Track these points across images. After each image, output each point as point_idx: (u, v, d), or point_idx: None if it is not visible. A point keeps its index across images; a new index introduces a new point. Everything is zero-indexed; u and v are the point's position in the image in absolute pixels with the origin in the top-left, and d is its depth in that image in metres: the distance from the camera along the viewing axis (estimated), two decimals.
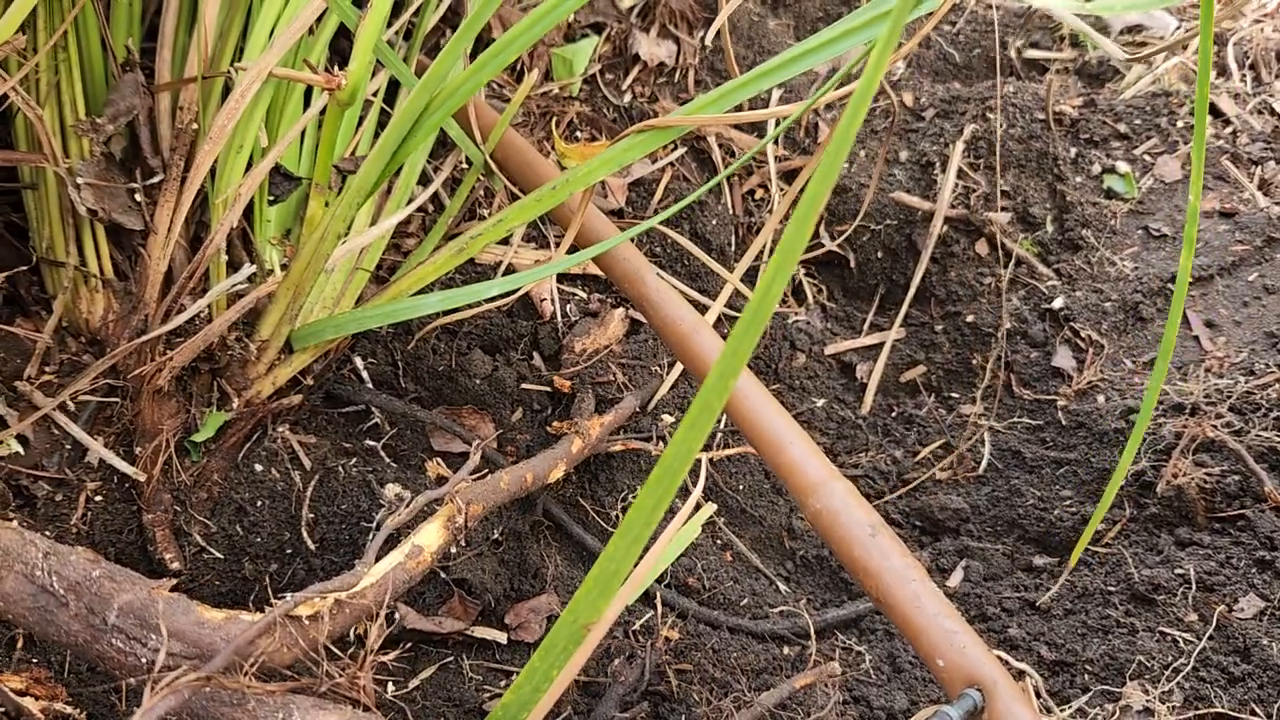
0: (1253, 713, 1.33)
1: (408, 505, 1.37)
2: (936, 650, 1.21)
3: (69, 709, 1.40)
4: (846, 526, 1.32)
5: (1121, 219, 2.09)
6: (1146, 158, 2.15)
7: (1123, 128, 2.18)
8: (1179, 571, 1.57)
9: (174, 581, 1.11)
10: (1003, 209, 2.14)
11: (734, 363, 0.89)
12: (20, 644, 1.44)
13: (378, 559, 1.31)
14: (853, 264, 2.22)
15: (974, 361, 2.07)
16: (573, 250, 1.74)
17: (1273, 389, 1.68)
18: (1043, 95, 2.19)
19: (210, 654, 1.07)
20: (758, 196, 2.24)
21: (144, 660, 1.07)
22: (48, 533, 1.60)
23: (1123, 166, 2.13)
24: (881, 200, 2.18)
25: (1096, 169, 2.15)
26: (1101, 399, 1.87)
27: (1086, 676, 1.49)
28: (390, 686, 1.66)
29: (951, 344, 2.10)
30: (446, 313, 1.84)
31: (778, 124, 2.12)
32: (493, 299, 1.86)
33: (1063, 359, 1.96)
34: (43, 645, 1.52)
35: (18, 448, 1.62)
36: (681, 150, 2.20)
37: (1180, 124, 2.19)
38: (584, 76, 2.29)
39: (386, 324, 1.71)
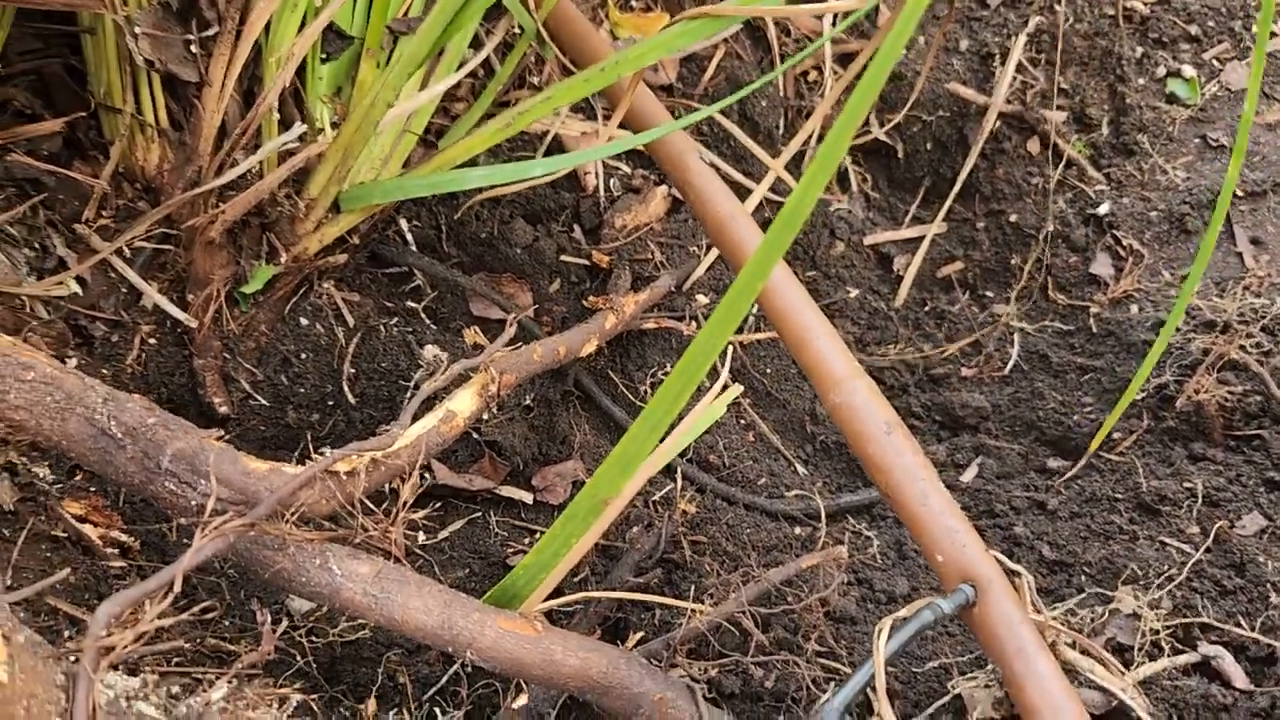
0: (1237, 624, 1.39)
1: (444, 370, 1.43)
2: (937, 545, 1.26)
3: (124, 537, 1.51)
4: (864, 422, 1.37)
5: (1180, 126, 2.04)
6: (1215, 62, 2.08)
7: (1194, 29, 2.11)
8: (1187, 485, 1.61)
9: (222, 432, 1.18)
10: (1059, 107, 2.10)
11: (767, 261, 0.93)
12: (80, 474, 1.54)
13: (413, 421, 1.38)
14: (900, 154, 2.20)
15: (1012, 262, 2.07)
16: (622, 126, 1.74)
17: None
18: None
19: (255, 502, 1.15)
20: (810, 79, 2.21)
21: (194, 503, 1.15)
22: (105, 371, 1.68)
23: (1188, 70, 2.07)
24: (935, 90, 2.15)
25: (1161, 71, 2.10)
26: (1135, 309, 1.87)
27: (1083, 578, 1.55)
28: (421, 536, 1.77)
29: (992, 242, 2.10)
30: (490, 186, 1.86)
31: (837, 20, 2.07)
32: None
33: (1101, 266, 1.95)
34: (60, 455, 1.62)
35: (76, 288, 1.69)
36: (737, 26, 2.16)
37: (1255, 29, 2.11)
38: None
39: (432, 194, 1.74)
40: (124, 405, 1.17)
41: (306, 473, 1.19)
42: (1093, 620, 1.39)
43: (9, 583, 1.18)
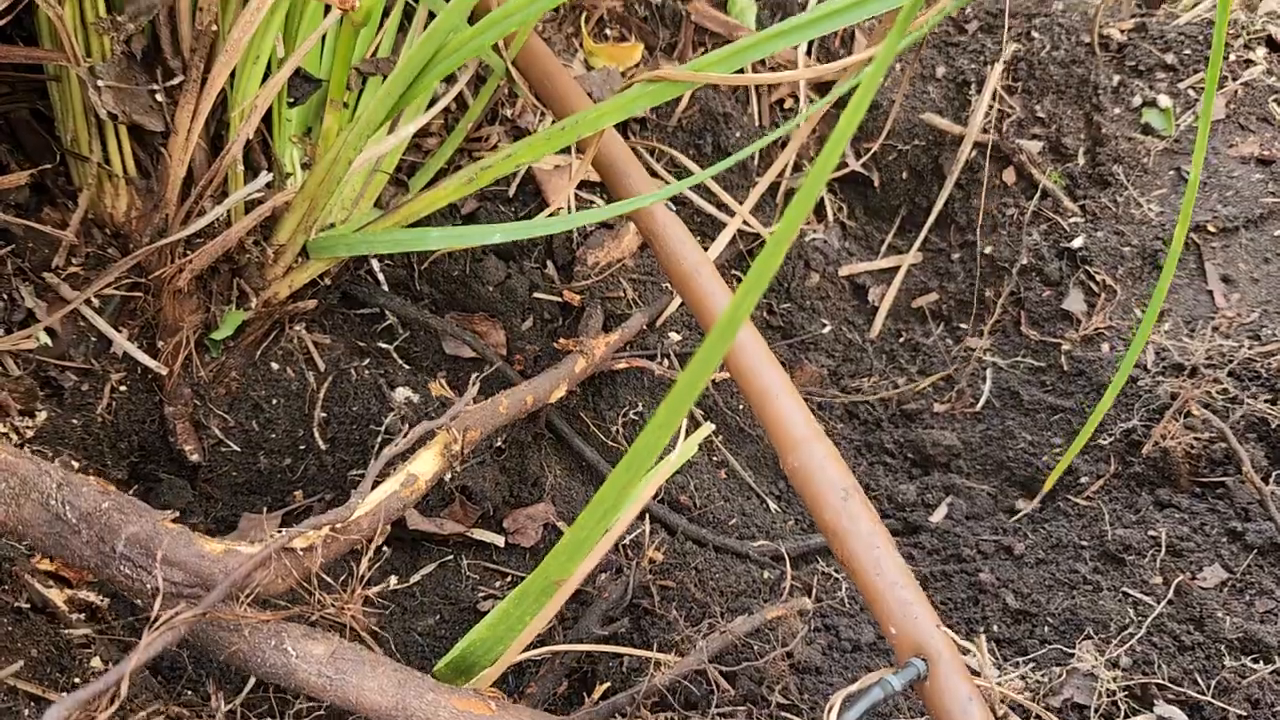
0: (1194, 683, 1.40)
1: (405, 435, 1.43)
2: (891, 618, 1.27)
3: (93, 596, 1.52)
4: (820, 486, 1.37)
5: (1155, 157, 2.03)
6: (1191, 92, 2.07)
7: (1170, 58, 2.09)
8: (1152, 533, 1.61)
9: (176, 514, 1.19)
10: (1035, 137, 2.09)
11: (730, 330, 0.92)
12: None
13: (374, 486, 1.38)
14: (876, 183, 2.19)
15: (986, 294, 2.06)
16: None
17: (1276, 358, 1.68)
18: (1091, 16, 2.10)
19: (210, 584, 1.16)
20: (786, 106, 2.20)
21: (149, 587, 1.16)
22: (75, 420, 1.69)
23: (1164, 101, 2.06)
24: (911, 120, 2.14)
25: (1137, 101, 2.08)
26: (1105, 347, 1.87)
27: (1046, 629, 1.56)
28: (392, 580, 1.78)
29: (966, 274, 2.10)
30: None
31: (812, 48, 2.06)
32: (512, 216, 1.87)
33: (1074, 302, 1.95)
34: (17, 540, 1.63)
35: (46, 340, 1.70)
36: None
37: (1234, 57, 2.09)
38: None
39: (394, 251, 1.74)
40: (79, 490, 1.17)
41: (262, 553, 1.19)
42: (1050, 680, 1.40)
43: None
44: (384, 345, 1.92)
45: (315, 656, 1.19)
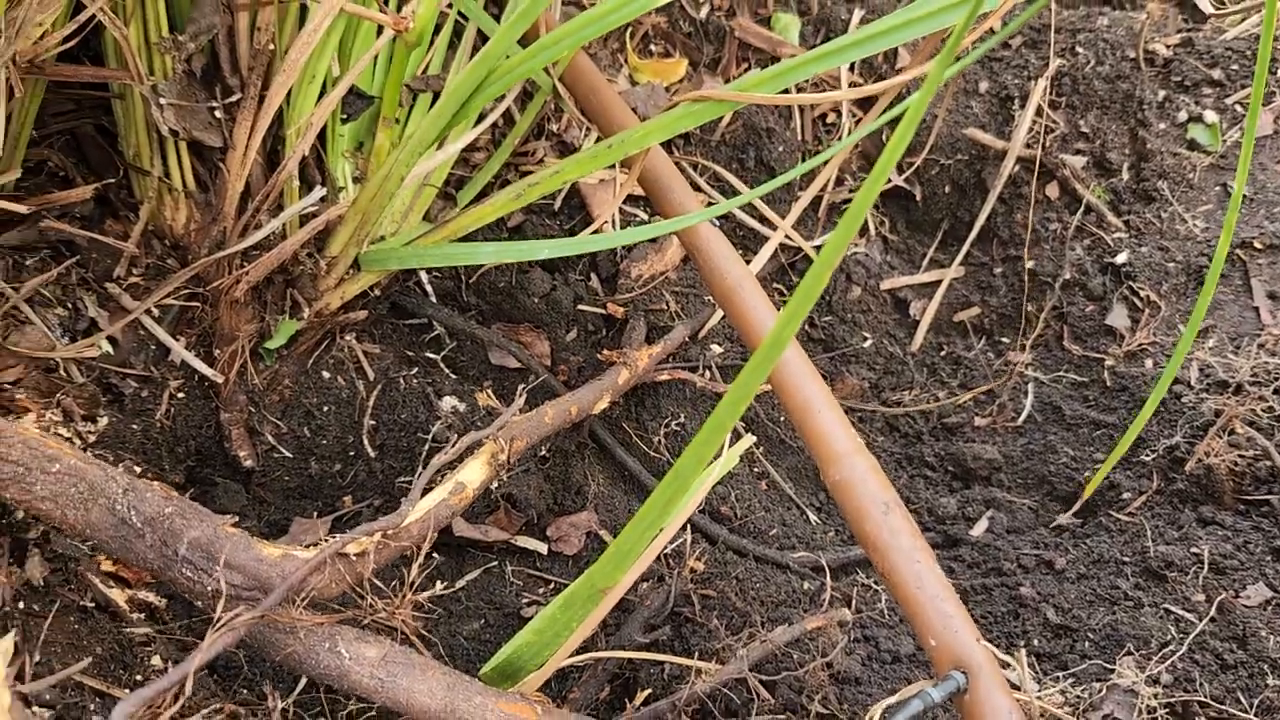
0: (1236, 702, 1.40)
1: (454, 445, 1.46)
2: (931, 630, 1.29)
3: (152, 597, 1.57)
4: (861, 500, 1.39)
5: (1201, 173, 2.03)
6: (1238, 107, 2.06)
7: (1217, 73, 2.09)
8: (1194, 550, 1.61)
9: (235, 519, 1.23)
10: (1078, 152, 2.09)
11: (775, 351, 0.95)
12: None
13: (423, 495, 1.42)
14: (919, 197, 2.20)
15: (1028, 309, 2.07)
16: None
17: None
18: (1136, 31, 2.10)
19: (268, 587, 1.20)
20: (829, 122, 2.22)
21: (209, 588, 1.21)
22: (135, 426, 1.75)
23: (1210, 116, 2.05)
24: (954, 134, 2.15)
25: (1183, 116, 2.08)
26: (1149, 363, 1.87)
27: (1087, 644, 1.56)
28: (438, 584, 1.81)
29: (1009, 288, 2.10)
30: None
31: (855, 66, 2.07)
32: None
33: (1117, 317, 1.95)
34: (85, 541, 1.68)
35: (108, 348, 1.76)
36: (755, 71, 2.17)
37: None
38: None
39: (446, 265, 1.78)
40: (143, 495, 1.22)
41: (317, 557, 1.23)
42: (1090, 696, 1.40)
43: (38, 659, 1.24)
44: (431, 355, 1.96)
45: (368, 659, 1.22)
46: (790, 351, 1.53)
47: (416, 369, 1.92)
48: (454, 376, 1.95)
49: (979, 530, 1.85)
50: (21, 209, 1.69)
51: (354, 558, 1.28)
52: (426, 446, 1.84)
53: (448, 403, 1.89)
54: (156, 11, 1.73)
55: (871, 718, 1.20)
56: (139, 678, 1.34)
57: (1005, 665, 1.26)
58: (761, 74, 1.39)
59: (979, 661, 1.25)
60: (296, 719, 1.42)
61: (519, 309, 2.01)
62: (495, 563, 1.84)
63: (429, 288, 2.00)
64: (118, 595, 1.48)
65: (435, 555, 1.82)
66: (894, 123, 2.23)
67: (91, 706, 1.25)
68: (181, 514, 1.22)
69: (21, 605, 1.28)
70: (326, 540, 1.27)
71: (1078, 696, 1.43)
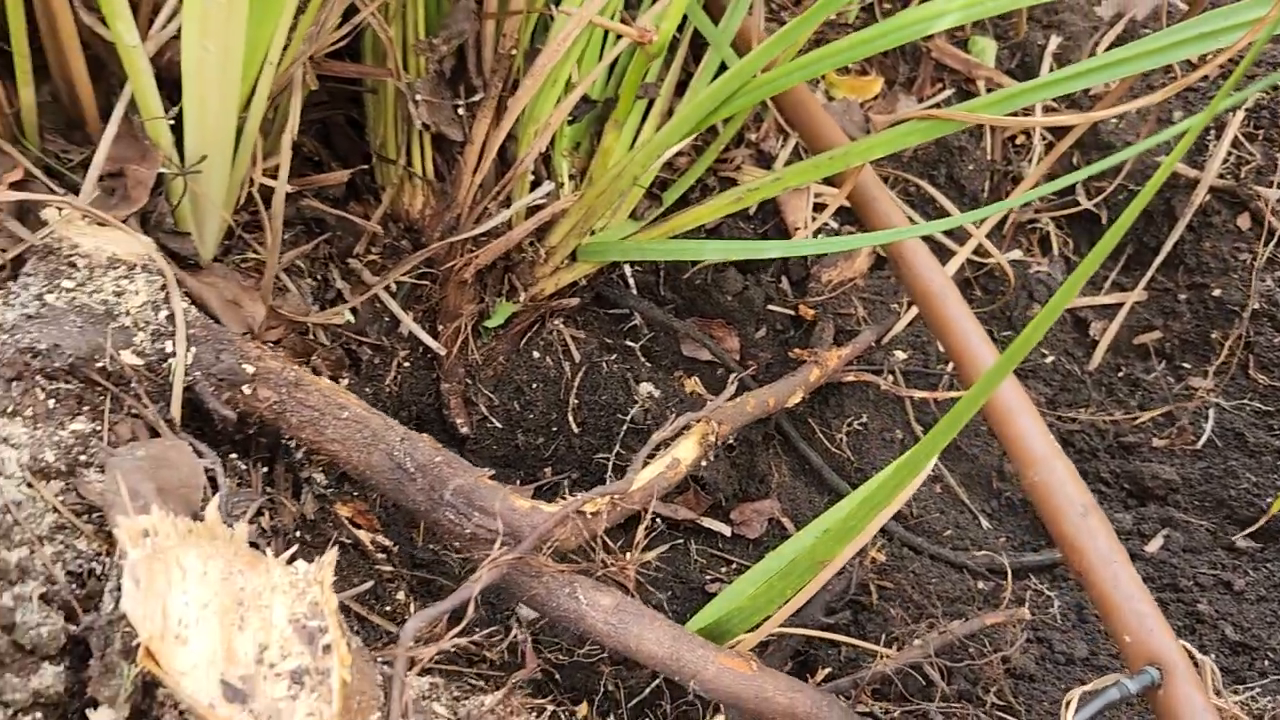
0: None
1: (671, 422, 1.59)
2: (1125, 627, 1.36)
3: (385, 540, 1.74)
4: (1060, 500, 1.46)
5: None
6: None
7: None
8: None
9: (493, 471, 1.38)
10: (1274, 184, 2.11)
11: (995, 380, 1.05)
12: (347, 482, 1.78)
13: (644, 466, 1.55)
14: (1105, 221, 2.25)
15: (1212, 336, 2.09)
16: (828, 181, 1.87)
17: None
18: None
19: (518, 535, 1.35)
20: (1018, 143, 2.28)
21: (467, 532, 1.36)
22: (368, 390, 1.93)
23: None
24: (1145, 161, 2.19)
25: None
26: None
27: (1267, 663, 1.60)
28: (610, 563, 1.95)
29: (1193, 314, 2.13)
30: None
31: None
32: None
33: None
34: (359, 481, 1.86)
35: (350, 317, 1.94)
36: (949, 92, 2.26)
37: None
38: (862, 3, 2.35)
39: (669, 259, 1.91)
40: (416, 444, 1.38)
41: (561, 511, 1.37)
42: (1274, 708, 1.45)
43: None
44: (630, 344, 2.10)
45: (603, 606, 1.36)
46: (988, 356, 1.62)
47: (616, 355, 2.06)
48: (649, 365, 2.08)
49: (1154, 547, 1.89)
50: (289, 188, 1.89)
51: (589, 516, 1.42)
52: (624, 427, 1.98)
53: (644, 388, 2.03)
54: (416, 16, 1.91)
55: (1070, 701, 1.28)
56: (389, 609, 1.51)
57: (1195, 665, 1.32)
58: (993, 95, 1.48)
59: (1174, 659, 1.31)
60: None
61: (713, 305, 2.13)
62: (681, 540, 1.97)
63: (631, 280, 2.14)
64: (364, 536, 1.65)
65: (624, 530, 1.96)
66: (1078, 145, 2.29)
67: (355, 629, 1.42)
68: (449, 463, 1.37)
69: (299, 534, 1.45)
70: (567, 499, 1.41)
71: (1260, 709, 1.47)
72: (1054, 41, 2.27)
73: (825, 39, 2.29)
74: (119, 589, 1.10)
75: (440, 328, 1.99)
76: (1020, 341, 1.07)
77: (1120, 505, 1.99)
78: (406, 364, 1.99)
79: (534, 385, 2.01)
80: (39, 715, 1.07)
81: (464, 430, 1.97)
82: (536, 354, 2.03)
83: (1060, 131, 2.22)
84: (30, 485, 1.11)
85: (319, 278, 1.95)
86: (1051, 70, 2.20)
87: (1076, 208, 2.23)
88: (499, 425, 1.99)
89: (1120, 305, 2.19)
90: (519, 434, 2.00)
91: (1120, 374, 2.17)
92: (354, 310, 1.96)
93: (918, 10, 1.34)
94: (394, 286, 1.98)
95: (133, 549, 1.04)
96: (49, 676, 1.08)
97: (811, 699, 1.38)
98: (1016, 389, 1.58)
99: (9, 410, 1.16)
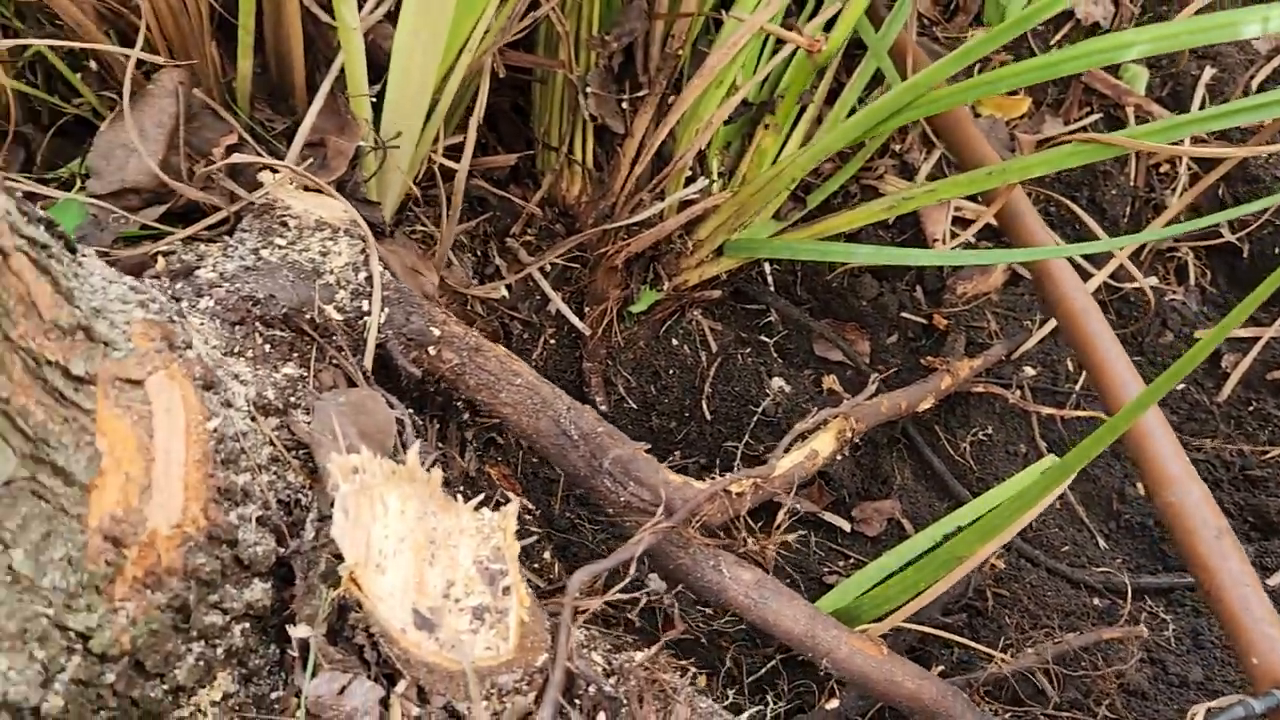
0: None
1: (811, 416, 1.67)
2: (1254, 649, 1.39)
3: (527, 502, 1.85)
4: (1194, 522, 1.50)
5: None
6: None
7: None
8: None
9: (650, 445, 1.47)
10: None
11: (1138, 410, 1.10)
12: (493, 447, 1.89)
13: (784, 454, 1.63)
14: (1245, 254, 2.25)
15: None
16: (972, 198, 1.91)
17: None
18: None
19: (669, 508, 1.43)
20: (1162, 170, 2.30)
21: (622, 500, 1.45)
22: None
23: None
24: None
25: None
26: None
27: None
28: (750, 542, 2.03)
29: None
30: None
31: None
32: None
33: None
34: (503, 447, 1.98)
35: (505, 293, 2.06)
36: (1096, 116, 2.28)
37: None
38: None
39: (820, 260, 1.98)
40: (581, 414, 1.48)
41: (711, 488, 1.46)
42: None
43: None
44: (764, 339, 2.18)
45: (744, 581, 1.44)
46: (1130, 377, 1.66)
47: (750, 349, 2.14)
48: (781, 361, 2.16)
49: (1276, 580, 1.90)
50: (457, 167, 2.02)
51: (735, 495, 1.50)
52: (754, 419, 2.06)
53: (776, 383, 2.10)
54: (591, 13, 2.01)
55: (1195, 715, 1.32)
56: (536, 566, 1.61)
57: None
58: (1155, 124, 1.52)
59: None
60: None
61: (847, 308, 2.20)
62: (803, 532, 2.04)
63: (770, 279, 2.21)
64: (513, 497, 1.76)
65: (749, 519, 2.04)
66: (1225, 178, 2.29)
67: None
68: (610, 434, 1.47)
69: (462, 490, 1.56)
70: (715, 478, 1.49)
71: None
72: (1208, 73, 2.28)
73: (988, 63, 2.33)
74: (321, 520, 1.22)
75: (587, 309, 2.09)
76: (1171, 372, 1.12)
77: (1243, 537, 2.00)
78: (552, 341, 2.09)
79: (670, 371, 2.10)
80: (247, 625, 1.19)
81: (602, 408, 2.07)
82: (675, 341, 2.12)
83: (1208, 163, 2.22)
84: (253, 419, 1.24)
85: (479, 253, 2.07)
86: (1204, 102, 2.21)
87: (1218, 239, 2.23)
88: (635, 406, 2.09)
89: (1256, 339, 2.19)
90: (653, 416, 2.09)
91: (1250, 408, 2.17)
92: (508, 286, 2.07)
93: (1105, 39, 1.39)
94: (547, 267, 2.09)
95: (344, 483, 1.15)
96: (259, 591, 1.20)
97: (938, 688, 1.44)
98: (1156, 412, 1.61)
99: (235, 350, 1.29)
